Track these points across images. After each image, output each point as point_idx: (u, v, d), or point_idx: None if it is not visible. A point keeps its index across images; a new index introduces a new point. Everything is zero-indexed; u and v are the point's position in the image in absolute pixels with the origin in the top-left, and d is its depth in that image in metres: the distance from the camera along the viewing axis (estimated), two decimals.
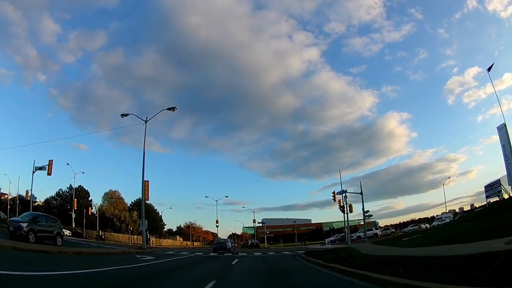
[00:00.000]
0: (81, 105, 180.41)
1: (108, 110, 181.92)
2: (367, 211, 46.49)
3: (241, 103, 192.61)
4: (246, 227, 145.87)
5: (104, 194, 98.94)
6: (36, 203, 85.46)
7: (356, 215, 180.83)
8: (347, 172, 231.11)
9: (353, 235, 66.10)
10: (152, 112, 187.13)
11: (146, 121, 38.57)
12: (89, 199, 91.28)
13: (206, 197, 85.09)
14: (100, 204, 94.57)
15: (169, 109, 39.24)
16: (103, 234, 70.35)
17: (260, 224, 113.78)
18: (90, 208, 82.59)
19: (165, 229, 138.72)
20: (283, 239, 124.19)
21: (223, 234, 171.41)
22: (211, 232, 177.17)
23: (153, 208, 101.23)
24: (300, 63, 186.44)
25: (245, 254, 38.31)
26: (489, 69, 41.28)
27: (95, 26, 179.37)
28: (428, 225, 73.67)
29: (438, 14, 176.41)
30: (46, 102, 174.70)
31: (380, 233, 69.89)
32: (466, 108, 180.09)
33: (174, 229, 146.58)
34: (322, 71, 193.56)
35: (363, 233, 66.47)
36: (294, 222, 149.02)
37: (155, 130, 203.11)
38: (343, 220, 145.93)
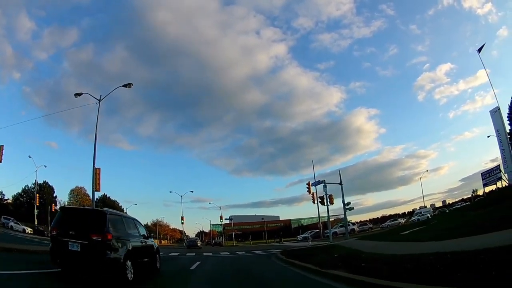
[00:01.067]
0: (52, 102, 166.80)
1: (77, 106, 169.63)
2: (348, 203, 40.46)
3: (209, 99, 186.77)
4: (214, 225, 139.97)
5: (70, 191, 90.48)
6: (6, 201, 78.38)
7: (323, 212, 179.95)
8: (314, 168, 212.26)
9: (326, 231, 60.82)
10: (120, 107, 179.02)
11: (100, 100, 32.02)
12: (54, 195, 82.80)
13: (170, 192, 77.72)
14: (66, 201, 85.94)
15: (124, 85, 32.79)
16: None
17: (228, 221, 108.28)
18: (53, 204, 73.40)
19: None
20: (252, 237, 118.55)
21: (190, 231, 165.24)
22: (179, 230, 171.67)
23: (117, 204, 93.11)
24: (268, 59, 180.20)
25: (210, 254, 32.57)
26: (479, 50, 36.97)
27: (68, 23, 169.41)
28: (403, 221, 70.18)
29: (410, 11, 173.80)
30: (20, 100, 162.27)
31: (358, 228, 64.75)
32: (437, 104, 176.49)
33: None
34: (289, 66, 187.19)
35: (338, 229, 61.86)
36: (262, 218, 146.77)
37: (123, 127, 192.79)
38: (312, 216, 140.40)
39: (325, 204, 39.08)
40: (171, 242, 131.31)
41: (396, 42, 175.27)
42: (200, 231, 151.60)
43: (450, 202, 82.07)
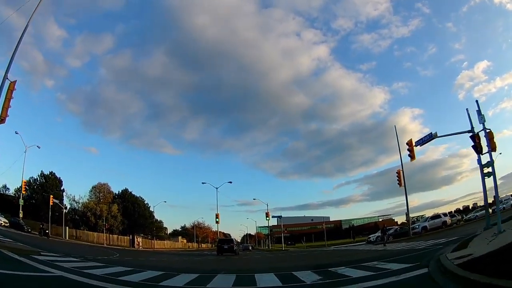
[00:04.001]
0: (90, 108, 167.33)
1: (117, 112, 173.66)
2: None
3: (252, 103, 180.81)
4: (260, 227, 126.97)
5: (92, 187, 73.51)
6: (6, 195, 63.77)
7: (370, 213, 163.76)
8: (360, 170, 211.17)
9: (416, 225, 41.18)
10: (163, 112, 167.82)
11: None
12: (61, 188, 66.20)
13: (203, 183, 57.07)
14: (87, 199, 69.71)
15: None
16: (46, 227, 45.77)
17: (275, 220, 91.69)
18: (52, 197, 57.23)
19: (169, 231, 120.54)
20: (299, 239, 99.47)
21: (236, 234, 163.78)
22: (223, 232, 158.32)
23: (141, 200, 75.63)
24: (310, 61, 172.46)
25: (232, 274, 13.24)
26: None
27: (101, 30, 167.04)
28: (490, 210, 47.81)
29: (445, 8, 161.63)
30: (55, 107, 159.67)
31: (450, 221, 43.18)
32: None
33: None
34: (332, 68, 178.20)
35: (429, 222, 41.64)
36: (312, 220, 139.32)
37: (166, 131, 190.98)
38: (362, 217, 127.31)
39: (482, 152, 18.27)
40: (212, 245, 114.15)
41: (434, 41, 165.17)
42: (246, 233, 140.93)
43: (490, 202, 64.65)
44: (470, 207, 78.52)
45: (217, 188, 57.71)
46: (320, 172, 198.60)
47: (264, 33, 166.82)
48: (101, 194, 71.85)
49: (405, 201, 39.76)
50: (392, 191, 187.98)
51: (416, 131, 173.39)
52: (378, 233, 45.40)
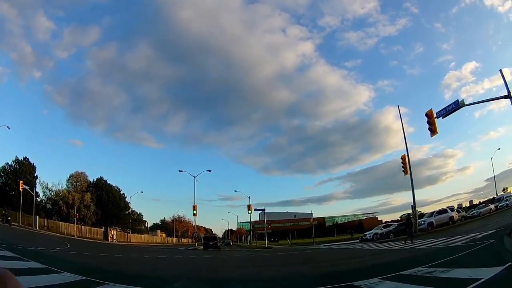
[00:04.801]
0: (75, 101, 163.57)
1: (102, 105, 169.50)
2: None
3: (236, 98, 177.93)
4: (242, 222, 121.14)
5: (69, 176, 67.55)
6: None
7: (353, 211, 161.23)
8: (343, 167, 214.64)
9: (422, 219, 37.87)
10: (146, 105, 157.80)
11: None
12: (35, 175, 60.85)
13: (180, 171, 52.48)
14: (65, 188, 63.40)
15: None
16: (10, 214, 42.34)
17: (257, 216, 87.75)
18: (22, 182, 52.19)
19: (150, 225, 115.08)
20: (283, 236, 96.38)
21: (217, 229, 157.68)
22: (204, 227, 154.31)
23: (117, 190, 70.24)
24: (295, 57, 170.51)
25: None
26: None
27: (88, 22, 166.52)
28: (493, 206, 45.17)
29: (434, 8, 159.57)
30: (42, 99, 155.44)
31: (456, 216, 38.86)
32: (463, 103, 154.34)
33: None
34: (317, 65, 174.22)
35: (435, 218, 36.83)
36: (295, 216, 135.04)
37: (149, 125, 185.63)
38: (346, 214, 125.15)
39: None
40: (193, 241, 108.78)
41: (422, 41, 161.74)
42: (227, 229, 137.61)
43: (477, 203, 66.27)
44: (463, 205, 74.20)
45: (195, 177, 53.31)
46: (303, 169, 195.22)
47: (249, 28, 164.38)
48: (78, 183, 65.92)
49: (411, 193, 35.49)
50: (375, 189, 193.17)
51: (400, 130, 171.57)
52: (377, 230, 41.39)
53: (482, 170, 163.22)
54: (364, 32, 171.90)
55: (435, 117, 24.22)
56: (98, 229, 58.54)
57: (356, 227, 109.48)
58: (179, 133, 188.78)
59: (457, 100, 22.93)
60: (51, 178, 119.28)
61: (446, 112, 23.28)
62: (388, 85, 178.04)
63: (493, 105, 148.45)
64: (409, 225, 27.67)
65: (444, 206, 69.35)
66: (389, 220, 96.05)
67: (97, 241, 49.50)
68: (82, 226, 55.69)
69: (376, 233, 39.57)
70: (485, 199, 72.40)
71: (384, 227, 41.58)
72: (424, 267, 10.33)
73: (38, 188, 60.19)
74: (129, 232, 67.39)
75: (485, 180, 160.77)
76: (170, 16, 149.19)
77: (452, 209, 40.91)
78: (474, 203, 72.92)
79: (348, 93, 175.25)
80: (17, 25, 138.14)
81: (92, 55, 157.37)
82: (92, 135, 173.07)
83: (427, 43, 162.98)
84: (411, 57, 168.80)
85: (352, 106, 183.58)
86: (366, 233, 43.40)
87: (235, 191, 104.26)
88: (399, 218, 60.19)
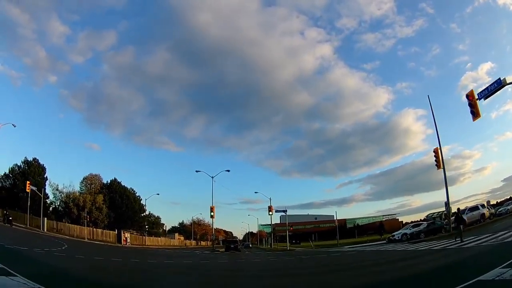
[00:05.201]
0: (92, 105, 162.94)
1: (120, 109, 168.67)
2: None
3: (255, 101, 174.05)
4: (263, 225, 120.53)
5: (83, 179, 65.20)
6: None
7: (373, 213, 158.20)
8: (363, 170, 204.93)
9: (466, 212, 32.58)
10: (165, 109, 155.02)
11: None
12: (45, 176, 58.21)
13: (197, 171, 48.86)
14: (78, 190, 61.27)
15: None
16: (10, 215, 39.38)
17: (278, 218, 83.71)
18: (29, 183, 49.70)
19: (167, 228, 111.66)
20: (305, 238, 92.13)
21: (237, 232, 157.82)
22: (224, 230, 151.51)
23: (131, 192, 66.86)
24: (313, 59, 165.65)
25: None
26: None
27: (104, 26, 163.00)
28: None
29: (449, 8, 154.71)
30: (58, 103, 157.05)
31: (488, 213, 35.40)
32: (480, 104, 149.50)
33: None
34: (336, 67, 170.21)
35: (467, 215, 32.23)
36: (316, 218, 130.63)
37: (168, 128, 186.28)
38: (366, 216, 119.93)
39: None
40: (211, 243, 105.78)
41: (438, 42, 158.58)
42: (248, 232, 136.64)
43: (493, 203, 59.43)
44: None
45: (212, 177, 49.86)
46: (323, 171, 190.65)
47: (267, 31, 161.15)
48: (92, 186, 63.46)
49: (445, 188, 31.11)
50: (395, 191, 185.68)
51: (419, 132, 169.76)
52: (405, 230, 36.83)
53: (499, 171, 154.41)
54: (382, 33, 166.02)
55: (477, 99, 22.08)
56: (111, 231, 55.38)
57: (377, 228, 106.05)
58: (198, 137, 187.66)
59: (499, 79, 20.03)
60: (66, 182, 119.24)
61: (488, 92, 20.83)
62: (407, 87, 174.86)
63: (509, 105, 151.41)
64: (460, 220, 23.17)
65: (461, 207, 66.10)
66: (409, 221, 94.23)
67: (109, 244, 46.30)
68: (94, 229, 52.74)
69: (405, 233, 35.22)
70: (502, 199, 69.39)
71: (413, 226, 36.92)
72: (501, 268, 8.38)
73: (48, 190, 58.03)
74: (144, 235, 64.21)
75: (501, 181, 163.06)
76: (188, 19, 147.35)
77: (482, 205, 36.41)
78: (491, 203, 68.82)
79: (367, 95, 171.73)
80: (30, 30, 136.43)
81: (109, 59, 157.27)
82: (110, 139, 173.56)
83: (443, 44, 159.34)
84: (428, 58, 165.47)
85: (371, 109, 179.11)
86: (394, 233, 38.61)
87: (255, 192, 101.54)
88: (425, 218, 55.39)
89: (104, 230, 54.50)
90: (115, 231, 55.33)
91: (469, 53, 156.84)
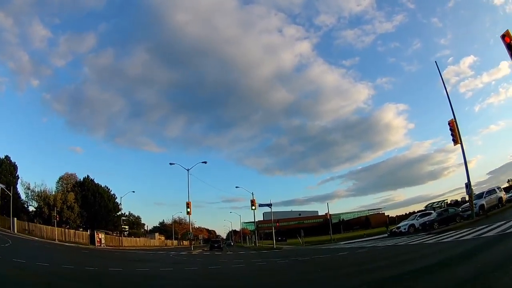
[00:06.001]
0: (74, 108, 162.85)
1: (101, 111, 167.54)
2: None
3: (235, 99, 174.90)
4: (246, 222, 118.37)
5: (59, 178, 60.45)
6: None
7: (356, 208, 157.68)
8: (345, 166, 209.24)
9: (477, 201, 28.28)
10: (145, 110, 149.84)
11: None
12: (16, 174, 53.51)
13: (171, 164, 44.40)
14: (54, 190, 56.04)
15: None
16: None
17: (261, 215, 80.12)
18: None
19: (149, 228, 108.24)
20: (289, 234, 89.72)
21: (220, 231, 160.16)
22: (207, 229, 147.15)
23: (105, 189, 61.64)
24: (292, 56, 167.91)
25: None
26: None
27: (84, 29, 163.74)
28: None
29: (430, 3, 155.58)
30: (40, 107, 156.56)
31: (505, 197, 31.52)
32: (463, 98, 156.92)
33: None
34: (315, 64, 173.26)
35: (485, 199, 29.04)
36: (300, 214, 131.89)
37: (149, 129, 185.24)
38: (351, 211, 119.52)
39: None
40: (198, 243, 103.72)
41: (419, 36, 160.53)
42: (231, 230, 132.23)
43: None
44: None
45: (188, 170, 45.69)
46: (305, 168, 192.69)
47: (245, 29, 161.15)
48: (68, 185, 58.82)
49: (465, 168, 27.08)
50: (378, 186, 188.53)
51: (401, 127, 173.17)
52: (411, 221, 32.92)
53: (484, 164, 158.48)
54: (361, 29, 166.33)
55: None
56: (84, 232, 50.76)
57: (363, 223, 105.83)
58: (180, 137, 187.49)
59: None
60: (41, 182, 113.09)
61: None
62: (387, 82, 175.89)
63: (492, 98, 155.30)
64: None
65: (446, 200, 63.59)
66: (394, 215, 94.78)
67: (80, 245, 41.65)
68: (66, 230, 48.04)
69: (412, 225, 31.41)
70: (507, 185, 66.37)
71: (421, 216, 32.82)
72: None
73: (20, 189, 53.37)
74: (120, 236, 59.35)
75: (487, 173, 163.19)
76: (166, 19, 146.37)
77: (499, 188, 32.72)
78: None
79: (347, 91, 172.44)
80: (13, 34, 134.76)
81: (89, 62, 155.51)
82: (92, 142, 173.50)
83: (424, 38, 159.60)
84: (408, 53, 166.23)
85: (351, 105, 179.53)
86: (399, 224, 34.69)
87: (236, 187, 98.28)
88: (424, 208, 52.48)
89: (77, 231, 49.93)
90: (87, 231, 50.82)
91: (450, 47, 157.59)
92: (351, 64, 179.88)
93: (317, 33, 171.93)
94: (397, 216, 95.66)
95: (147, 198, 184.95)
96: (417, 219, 32.16)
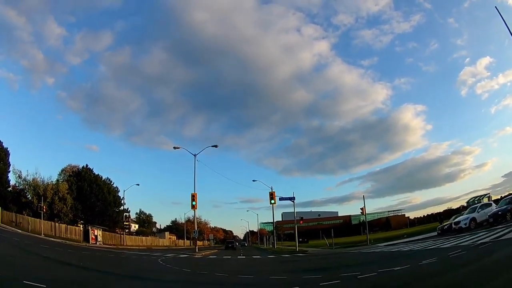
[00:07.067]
0: (90, 106, 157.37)
1: (118, 109, 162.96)
2: None
3: (253, 99, 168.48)
4: (264, 223, 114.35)
5: (61, 170, 54.10)
6: None
7: (374, 210, 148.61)
8: (363, 167, 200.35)
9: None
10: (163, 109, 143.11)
11: None
12: (8, 160, 46.10)
13: (174, 148, 36.45)
14: (55, 181, 48.97)
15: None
16: None
17: (280, 214, 71.55)
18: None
19: (161, 227, 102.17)
20: (307, 236, 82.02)
21: (238, 231, 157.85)
22: (222, 229, 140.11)
23: (105, 181, 54.09)
24: (311, 56, 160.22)
25: None
26: None
27: (100, 27, 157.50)
28: None
29: (446, 3, 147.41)
30: (56, 104, 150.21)
31: None
32: (479, 99, 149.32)
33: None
34: (333, 64, 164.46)
35: None
36: (319, 215, 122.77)
37: (166, 128, 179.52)
38: (371, 212, 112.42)
39: None
40: (214, 243, 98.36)
41: (436, 37, 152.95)
42: (248, 231, 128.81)
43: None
44: None
45: (195, 155, 37.50)
46: (323, 169, 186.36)
47: (264, 29, 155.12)
48: (71, 178, 51.43)
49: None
50: (395, 188, 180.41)
51: (418, 128, 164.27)
52: (471, 214, 25.21)
53: (499, 166, 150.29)
54: (379, 29, 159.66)
55: None
56: (77, 228, 43.45)
57: (383, 224, 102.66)
58: (198, 136, 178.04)
59: None
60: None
61: None
62: (405, 82, 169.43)
63: (508, 100, 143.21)
64: None
65: (463, 203, 58.35)
66: (413, 217, 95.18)
67: (69, 242, 34.06)
68: (57, 224, 40.87)
69: (474, 218, 24.45)
70: (506, 194, 61.55)
71: (481, 208, 25.27)
72: None
73: (12, 178, 46.46)
74: (122, 234, 51.80)
75: (502, 176, 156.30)
76: (184, 18, 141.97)
77: None
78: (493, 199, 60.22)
79: (365, 92, 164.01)
80: (27, 32, 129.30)
81: (106, 60, 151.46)
82: (109, 140, 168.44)
83: (441, 39, 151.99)
84: (426, 54, 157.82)
85: (370, 105, 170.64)
86: (459, 219, 25.88)
87: (253, 180, 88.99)
88: (465, 204, 47.98)
89: (69, 226, 42.63)
90: (79, 227, 43.49)
91: (467, 48, 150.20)
92: (370, 64, 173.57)
93: (335, 32, 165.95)
94: (415, 218, 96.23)
95: (164, 198, 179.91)
96: (477, 211, 25.22)
